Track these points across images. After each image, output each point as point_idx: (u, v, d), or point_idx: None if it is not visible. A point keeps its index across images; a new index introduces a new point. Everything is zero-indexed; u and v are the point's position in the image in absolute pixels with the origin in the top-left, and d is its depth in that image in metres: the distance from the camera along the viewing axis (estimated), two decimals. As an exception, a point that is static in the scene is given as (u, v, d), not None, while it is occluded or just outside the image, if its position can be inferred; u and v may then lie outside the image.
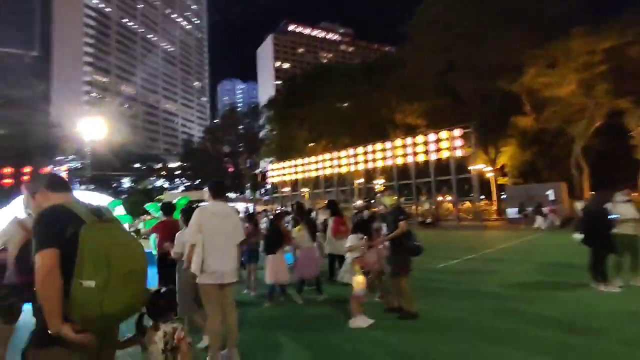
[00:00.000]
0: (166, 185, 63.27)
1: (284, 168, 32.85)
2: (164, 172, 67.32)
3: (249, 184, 58.43)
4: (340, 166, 28.09)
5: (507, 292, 5.98)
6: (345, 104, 32.58)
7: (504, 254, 10.49)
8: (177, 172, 67.09)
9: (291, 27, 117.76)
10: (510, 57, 22.45)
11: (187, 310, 4.20)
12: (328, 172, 29.05)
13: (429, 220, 21.98)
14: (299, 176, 31.58)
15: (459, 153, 21.35)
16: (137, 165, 65.91)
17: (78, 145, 44.93)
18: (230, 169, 61.78)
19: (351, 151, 27.24)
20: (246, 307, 5.61)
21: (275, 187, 35.69)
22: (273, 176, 34.36)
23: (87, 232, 1.64)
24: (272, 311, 5.54)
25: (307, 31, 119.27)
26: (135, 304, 1.76)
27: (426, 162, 23.12)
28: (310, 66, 44.84)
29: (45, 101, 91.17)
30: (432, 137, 22.28)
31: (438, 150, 22.00)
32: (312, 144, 36.68)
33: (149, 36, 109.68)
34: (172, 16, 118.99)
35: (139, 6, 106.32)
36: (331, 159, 28.70)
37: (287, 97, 39.28)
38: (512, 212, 21.24)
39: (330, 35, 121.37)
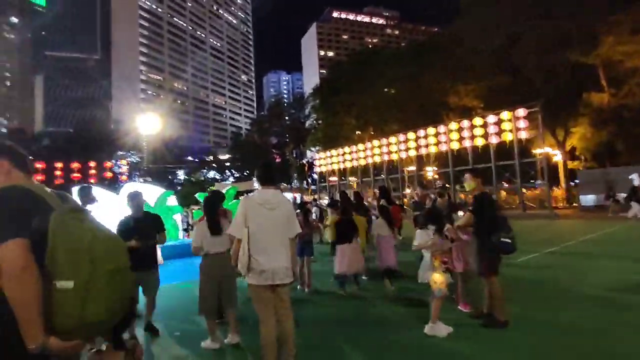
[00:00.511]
0: (217, 176, 65.28)
1: (331, 157, 32.15)
2: (214, 164, 69.57)
3: (295, 174, 58.74)
4: (389, 153, 26.86)
5: (617, 296, 4.87)
6: (394, 89, 31.05)
7: (591, 247, 9.08)
8: (226, 164, 69.06)
9: (335, 14, 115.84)
10: (583, 25, 19.90)
11: (205, 311, 3.89)
12: (377, 159, 27.94)
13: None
14: (347, 165, 30.76)
15: (523, 135, 19.35)
16: (189, 158, 68.75)
17: (136, 140, 47.41)
18: (277, 160, 62.42)
19: (401, 137, 25.87)
20: (300, 305, 4.99)
21: (322, 176, 35.18)
22: (320, 165, 33.82)
23: (59, 221, 1.26)
24: (332, 310, 4.93)
25: (351, 17, 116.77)
26: (121, 309, 1.41)
27: (485, 147, 21.33)
28: (355, 52, 43.46)
29: (107, 100, 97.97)
30: (492, 118, 20.39)
31: (499, 132, 20.12)
32: (359, 132, 35.66)
33: (197, 33, 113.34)
34: (219, 12, 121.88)
35: (188, 4, 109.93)
36: (380, 146, 27.51)
37: (333, 84, 38.37)
38: (587, 199, 18.98)
39: (375, 20, 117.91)
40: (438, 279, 3.97)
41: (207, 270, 3.96)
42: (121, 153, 56.85)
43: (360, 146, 29.43)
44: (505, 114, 19.73)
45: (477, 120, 21.22)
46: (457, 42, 26.27)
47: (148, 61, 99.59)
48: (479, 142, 21.04)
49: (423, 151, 24.60)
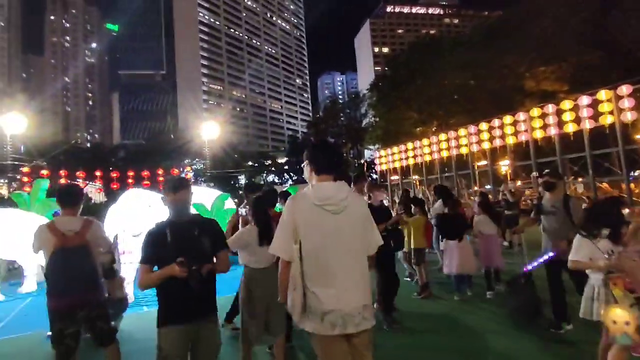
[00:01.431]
0: (276, 180, 66.17)
1: (392, 154, 30.39)
2: (273, 168, 70.68)
3: (353, 175, 57.32)
4: (458, 147, 24.53)
5: None
6: (460, 78, 28.45)
7: None
8: (285, 167, 69.78)
9: (389, 9, 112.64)
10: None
11: (250, 340, 3.09)
12: (444, 154, 25.72)
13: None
14: (410, 162, 28.82)
15: (629, 116, 16.22)
16: (249, 162, 70.57)
17: (199, 148, 49.37)
18: (335, 161, 61.57)
19: (472, 128, 23.47)
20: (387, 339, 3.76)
21: (383, 175, 33.49)
22: (380, 164, 32.19)
23: None
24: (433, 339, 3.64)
25: (406, 10, 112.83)
26: None
27: (574, 134, 18.37)
28: (414, 40, 41.08)
29: (174, 111, 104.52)
30: (585, 100, 17.42)
31: (595, 116, 17.14)
32: (421, 127, 33.43)
33: (253, 42, 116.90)
34: (273, 19, 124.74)
35: (242, 14, 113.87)
36: (447, 139, 25.28)
37: (391, 78, 36.42)
38: None
39: (432, 10, 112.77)
40: (622, 316, 2.50)
41: (254, 286, 3.08)
42: (187, 160, 59.87)
43: (425, 141, 27.37)
44: (603, 94, 16.72)
45: (566, 104, 18.29)
46: (533, 18, 23.23)
47: (209, 72, 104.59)
48: (570, 128, 18.15)
49: (498, 142, 22.01)
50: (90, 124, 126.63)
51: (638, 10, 18.75)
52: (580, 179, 18.89)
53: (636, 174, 21.77)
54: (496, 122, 21.85)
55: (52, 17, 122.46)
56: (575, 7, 20.59)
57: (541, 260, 3.73)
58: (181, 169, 43.52)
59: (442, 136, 25.89)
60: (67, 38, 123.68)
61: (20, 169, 28.62)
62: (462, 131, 24.27)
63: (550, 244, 3.87)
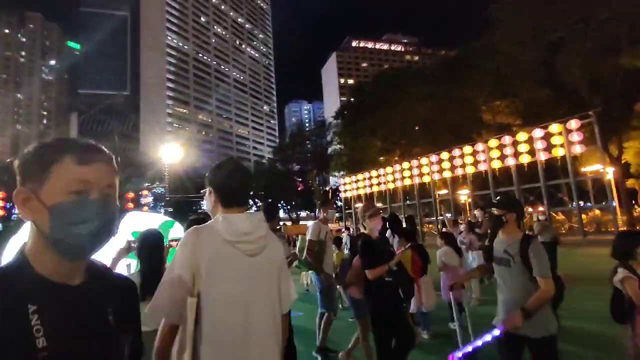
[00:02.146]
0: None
1: (357, 181, 30.46)
2: (237, 194, 69.03)
3: (318, 202, 57.17)
4: (421, 175, 24.95)
5: None
6: (421, 108, 29.45)
7: None
8: (250, 193, 68.44)
9: (354, 43, 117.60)
10: (635, 26, 17.98)
11: None
12: (407, 182, 26.03)
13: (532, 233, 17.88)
14: (374, 189, 28.94)
15: (577, 149, 17.15)
16: (212, 187, 68.52)
17: (160, 171, 47.47)
18: (300, 187, 61.24)
19: (434, 157, 24.01)
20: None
21: (347, 202, 33.37)
22: (345, 191, 32.11)
23: None
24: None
25: (370, 45, 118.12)
26: None
27: (529, 165, 19.18)
28: (379, 72, 42.55)
29: (135, 133, 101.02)
30: (538, 132, 18.34)
31: (548, 148, 18.01)
32: (385, 155, 33.97)
33: (221, 67, 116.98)
34: (242, 47, 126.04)
35: (212, 41, 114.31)
36: (410, 168, 25.69)
37: (356, 106, 37.22)
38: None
39: (394, 47, 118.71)
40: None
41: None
42: (146, 184, 57.21)
43: (389, 169, 27.67)
44: (554, 127, 17.66)
45: (522, 136, 19.17)
46: (489, 55, 24.65)
47: (174, 95, 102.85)
48: (525, 159, 18.92)
49: (459, 172, 22.58)
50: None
51: (581, 52, 20.31)
52: (540, 209, 19.51)
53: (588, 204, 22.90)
54: (457, 152, 22.47)
55: (6, 31, 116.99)
56: (525, 46, 22.05)
57: (486, 339, 2.42)
58: (139, 193, 41.28)
59: (405, 164, 26.30)
60: (23, 53, 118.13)
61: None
62: (424, 160, 24.76)
63: (502, 309, 2.62)
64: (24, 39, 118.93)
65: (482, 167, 20.99)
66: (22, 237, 5.09)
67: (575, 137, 17.08)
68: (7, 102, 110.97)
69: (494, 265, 2.71)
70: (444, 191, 27.16)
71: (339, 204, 54.59)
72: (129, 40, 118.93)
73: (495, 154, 20.26)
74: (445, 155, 23.27)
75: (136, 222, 6.26)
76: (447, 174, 23.31)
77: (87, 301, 0.85)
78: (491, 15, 24.66)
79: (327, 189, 56.60)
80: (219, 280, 1.37)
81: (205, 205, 1.67)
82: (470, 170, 21.61)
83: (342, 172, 40.36)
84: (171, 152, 30.63)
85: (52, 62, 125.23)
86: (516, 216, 2.64)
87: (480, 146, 21.29)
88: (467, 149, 21.83)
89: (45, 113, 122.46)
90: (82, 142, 0.88)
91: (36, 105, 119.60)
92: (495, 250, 2.71)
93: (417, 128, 29.99)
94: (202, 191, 1.72)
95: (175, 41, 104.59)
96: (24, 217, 0.83)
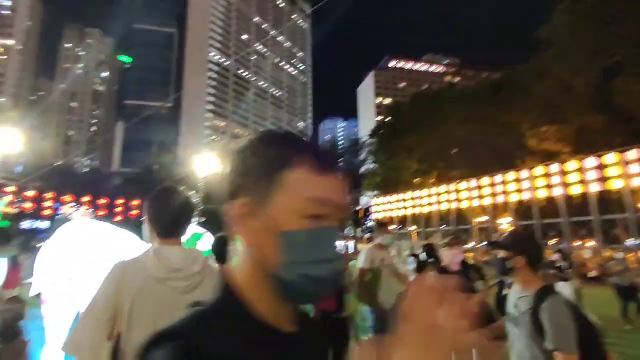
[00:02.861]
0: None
1: (390, 203, 29.60)
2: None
3: (349, 221, 56.32)
4: (459, 200, 23.82)
5: None
6: (462, 131, 28.40)
7: None
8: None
9: (392, 63, 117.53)
10: None
11: None
12: (444, 207, 24.95)
13: (592, 273, 16.36)
14: (407, 212, 27.96)
15: (637, 182, 15.68)
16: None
17: (195, 182, 48.69)
18: (331, 205, 60.71)
19: (473, 182, 22.89)
20: None
21: (379, 223, 32.48)
22: (377, 212, 31.26)
23: None
24: None
25: (409, 65, 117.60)
26: None
27: (581, 196, 17.76)
28: (417, 91, 41.88)
29: (174, 144, 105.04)
30: (591, 162, 17.00)
31: (602, 179, 16.61)
32: (420, 177, 32.96)
33: (260, 83, 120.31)
34: (280, 64, 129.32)
35: (252, 57, 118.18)
36: (447, 192, 24.64)
37: (393, 126, 36.55)
38: None
39: (434, 68, 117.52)
40: None
41: None
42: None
43: (424, 191, 26.71)
44: (611, 157, 16.30)
45: (571, 164, 17.85)
46: (537, 78, 23.49)
47: (214, 109, 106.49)
48: (575, 190, 17.54)
49: (500, 199, 21.34)
50: (91, 150, 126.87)
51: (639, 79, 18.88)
52: (587, 243, 17.91)
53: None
54: (498, 178, 21.32)
55: (68, 45, 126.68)
56: (579, 70, 20.80)
57: None
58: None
59: (442, 188, 25.29)
60: (80, 65, 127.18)
61: (4, 188, 27.62)
62: (462, 184, 23.68)
63: None
64: (81, 52, 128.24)
65: (526, 195, 19.70)
66: (55, 240, 4.91)
67: (636, 168, 15.64)
68: (63, 109, 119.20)
69: (506, 322, 2.09)
70: (483, 217, 25.82)
71: (370, 224, 53.57)
72: (175, 55, 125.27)
73: (541, 182, 18.96)
74: (485, 180, 22.13)
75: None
76: (486, 201, 22.11)
77: (304, 353, 0.66)
78: (541, 37, 23.56)
79: (358, 208, 55.65)
80: (144, 321, 1.24)
81: (145, 235, 1.56)
82: (513, 198, 20.35)
83: (374, 192, 39.60)
84: (207, 162, 31.17)
85: (105, 74, 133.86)
86: (527, 261, 1.98)
87: (524, 173, 20.06)
88: (510, 175, 20.64)
89: (94, 121, 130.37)
90: (313, 142, 0.66)
91: (87, 113, 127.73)
92: (509, 301, 2.09)
93: (455, 151, 28.89)
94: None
95: (217, 57, 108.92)
96: (239, 235, 0.62)
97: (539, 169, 19.19)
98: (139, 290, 1.28)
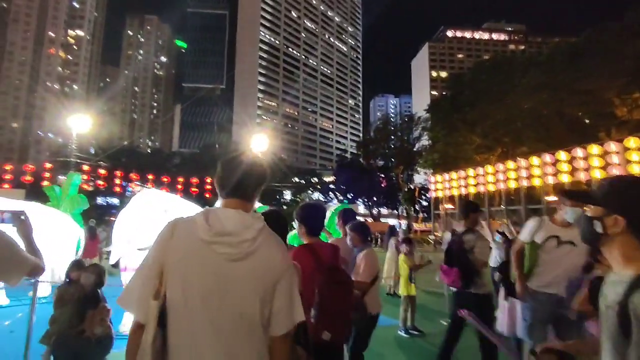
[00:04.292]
0: (321, 198, 65.06)
1: (450, 180, 27.97)
2: (319, 186, 69.79)
3: (402, 200, 54.93)
4: (530, 177, 21.80)
5: None
6: (533, 101, 25.71)
7: None
8: (331, 187, 68.69)
9: (449, 33, 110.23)
10: None
11: None
12: (512, 185, 23.03)
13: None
14: (470, 190, 26.25)
15: None
16: (295, 179, 70.33)
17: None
18: (383, 184, 59.47)
19: (548, 158, 20.72)
20: None
21: (438, 202, 30.96)
22: (436, 190, 29.74)
23: None
24: None
25: (467, 35, 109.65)
26: None
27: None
28: (480, 61, 38.68)
29: (229, 124, 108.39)
30: (703, 131, 14.48)
31: None
32: (484, 153, 30.71)
33: (309, 61, 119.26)
34: (331, 40, 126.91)
35: (302, 35, 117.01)
36: (517, 168, 22.64)
37: (453, 99, 34.13)
38: None
39: (495, 36, 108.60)
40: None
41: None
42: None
43: (489, 168, 24.80)
44: None
45: (676, 134, 15.35)
46: (628, 38, 20.38)
47: (264, 88, 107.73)
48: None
49: (581, 176, 19.11)
50: (153, 132, 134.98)
51: None
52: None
53: None
54: (579, 152, 19.06)
55: (130, 32, 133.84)
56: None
57: None
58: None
59: (511, 164, 23.26)
60: (141, 52, 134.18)
61: (82, 166, 30.02)
62: (535, 160, 21.56)
63: None
64: (142, 39, 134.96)
65: (615, 171, 17.39)
66: (130, 210, 4.85)
67: None
68: (128, 94, 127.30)
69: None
70: (554, 197, 23.52)
71: (425, 204, 51.75)
72: (227, 36, 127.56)
73: (636, 156, 16.59)
74: (563, 155, 19.89)
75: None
76: (564, 178, 19.93)
77: None
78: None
79: (412, 187, 53.91)
80: (185, 285, 1.19)
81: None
82: (598, 174, 18.09)
83: (430, 170, 37.78)
84: (259, 141, 31.59)
85: (163, 59, 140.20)
86: (629, 223, 1.14)
87: (612, 146, 17.68)
88: (595, 149, 18.31)
89: (155, 104, 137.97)
90: None
91: (149, 97, 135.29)
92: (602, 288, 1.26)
93: (526, 123, 26.34)
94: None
95: (267, 36, 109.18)
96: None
97: (632, 141, 16.78)
98: (185, 251, 1.22)
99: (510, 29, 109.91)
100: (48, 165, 28.61)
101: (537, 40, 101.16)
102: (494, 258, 6.59)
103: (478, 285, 3.60)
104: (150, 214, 4.29)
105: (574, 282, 2.74)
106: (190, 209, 4.90)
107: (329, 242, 3.09)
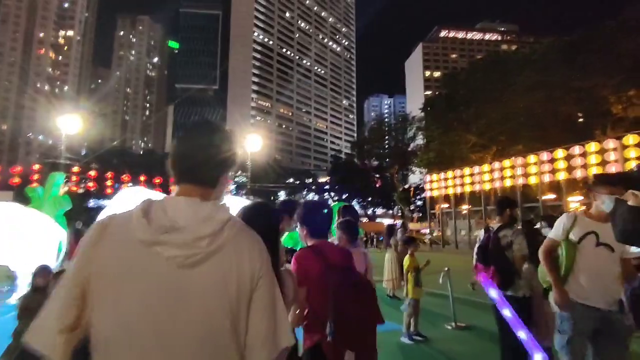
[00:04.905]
0: (316, 198, 64.73)
1: (445, 179, 27.82)
2: (313, 187, 69.47)
3: (397, 200, 54.81)
4: (526, 176, 21.69)
5: None
6: (529, 99, 25.58)
7: None
8: (325, 187, 68.41)
9: (443, 33, 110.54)
10: None
11: None
12: (508, 183, 22.90)
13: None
14: (466, 189, 26.09)
15: None
16: (290, 180, 69.91)
17: (243, 161, 49.41)
18: (378, 184, 59.33)
19: (545, 155, 20.62)
20: None
21: (433, 201, 30.76)
22: (431, 189, 29.57)
23: None
24: None
25: (461, 35, 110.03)
26: None
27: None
28: (474, 60, 38.64)
29: (222, 124, 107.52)
30: (701, 127, 14.40)
31: None
32: (479, 152, 30.58)
33: (303, 62, 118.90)
34: (324, 41, 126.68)
35: (295, 35, 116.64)
36: (512, 167, 22.53)
37: (448, 98, 33.98)
38: None
39: (488, 36, 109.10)
40: None
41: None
42: (230, 173, 60.26)
43: (485, 167, 24.66)
44: None
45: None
46: (625, 36, 20.33)
47: (258, 89, 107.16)
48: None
49: (578, 174, 19.00)
50: (146, 133, 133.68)
51: None
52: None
53: None
54: (576, 150, 18.98)
55: (121, 33, 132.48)
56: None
57: None
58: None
59: (507, 163, 23.14)
60: (133, 52, 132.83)
61: (71, 168, 29.38)
62: (531, 158, 21.44)
63: None
64: (134, 40, 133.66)
65: (613, 168, 17.29)
66: (111, 210, 4.54)
67: None
68: (120, 95, 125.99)
69: None
70: (550, 196, 23.41)
71: (419, 203, 51.57)
72: (220, 37, 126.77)
73: (633, 153, 16.51)
74: (560, 153, 19.80)
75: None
76: (561, 176, 19.83)
77: None
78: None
79: (407, 186, 53.78)
80: (120, 308, 0.83)
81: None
82: (595, 172, 17.97)
83: (424, 170, 37.56)
84: (253, 143, 31.29)
85: (155, 60, 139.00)
86: None
87: (610, 143, 17.60)
88: (592, 146, 18.23)
89: (147, 105, 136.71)
90: None
91: (141, 98, 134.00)
92: None
93: (521, 122, 26.22)
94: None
95: (261, 37, 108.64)
96: None
97: (631, 139, 16.70)
98: (118, 258, 0.85)
99: (503, 29, 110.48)
100: (36, 166, 27.93)
101: (530, 40, 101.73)
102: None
103: (517, 286, 3.35)
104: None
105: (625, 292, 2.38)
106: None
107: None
